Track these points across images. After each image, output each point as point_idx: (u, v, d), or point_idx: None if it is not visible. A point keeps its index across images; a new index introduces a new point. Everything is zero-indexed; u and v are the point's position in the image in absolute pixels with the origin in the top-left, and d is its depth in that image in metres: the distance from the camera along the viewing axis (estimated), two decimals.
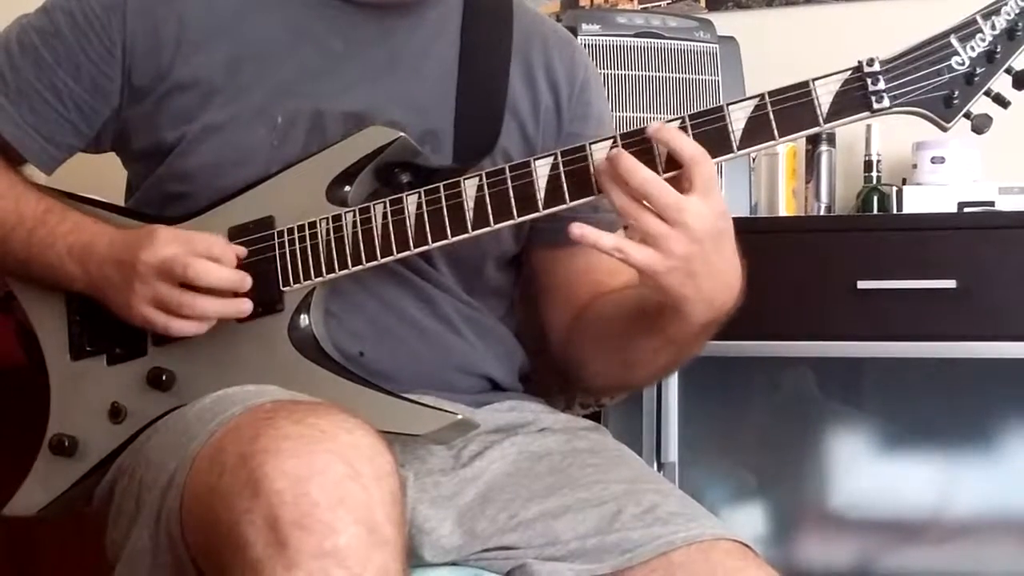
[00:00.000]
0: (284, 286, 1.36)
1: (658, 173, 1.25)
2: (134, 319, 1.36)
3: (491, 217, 1.31)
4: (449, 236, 1.33)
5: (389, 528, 1.07)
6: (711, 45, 2.21)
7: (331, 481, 1.06)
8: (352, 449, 1.09)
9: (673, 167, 1.26)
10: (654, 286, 1.28)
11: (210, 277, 1.32)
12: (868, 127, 2.27)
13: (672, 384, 2.03)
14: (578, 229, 1.26)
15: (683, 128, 1.27)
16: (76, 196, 1.47)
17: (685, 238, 1.23)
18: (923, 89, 1.25)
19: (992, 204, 2.07)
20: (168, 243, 1.33)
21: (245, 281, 1.34)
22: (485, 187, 1.31)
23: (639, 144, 1.27)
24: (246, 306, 1.35)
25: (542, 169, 1.30)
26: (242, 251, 1.36)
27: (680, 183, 1.25)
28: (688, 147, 1.24)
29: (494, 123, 1.45)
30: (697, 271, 1.26)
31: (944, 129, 1.27)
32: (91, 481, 1.42)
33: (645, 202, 1.24)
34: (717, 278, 1.28)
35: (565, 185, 1.30)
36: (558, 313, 1.53)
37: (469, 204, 1.32)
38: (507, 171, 1.31)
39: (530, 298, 1.56)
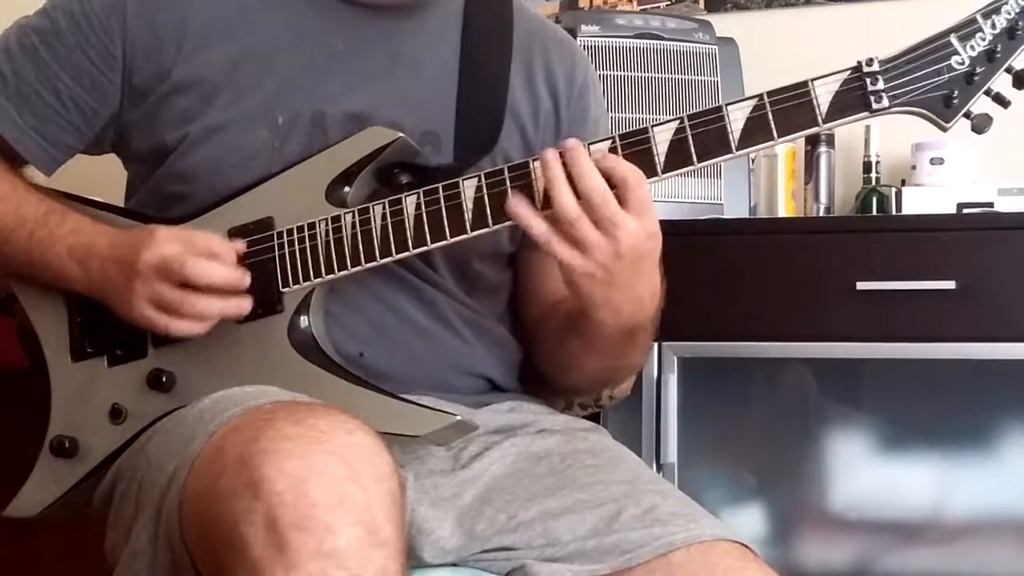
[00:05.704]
0: (283, 287, 1.36)
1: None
2: (135, 319, 1.35)
3: (490, 218, 1.31)
4: (448, 237, 1.33)
5: (388, 529, 1.07)
6: (710, 46, 2.21)
7: (330, 482, 1.06)
8: (351, 450, 1.09)
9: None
10: (568, 283, 1.30)
11: (209, 275, 1.32)
12: (867, 128, 2.27)
13: (671, 385, 2.04)
14: (515, 205, 1.28)
15: (681, 128, 1.27)
16: (76, 197, 1.47)
17: (611, 250, 1.26)
18: (922, 89, 1.25)
19: (991, 205, 2.07)
20: (168, 242, 1.33)
21: (244, 278, 1.34)
22: (484, 188, 1.31)
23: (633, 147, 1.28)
24: (246, 304, 1.35)
25: (541, 170, 1.29)
26: (242, 247, 1.36)
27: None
28: (622, 169, 1.26)
29: (494, 123, 1.45)
30: (612, 282, 1.28)
31: (944, 129, 1.27)
32: (92, 482, 1.42)
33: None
34: (629, 291, 1.30)
35: None
36: (531, 313, 1.53)
37: (468, 205, 1.32)
38: (506, 172, 1.31)
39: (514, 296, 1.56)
